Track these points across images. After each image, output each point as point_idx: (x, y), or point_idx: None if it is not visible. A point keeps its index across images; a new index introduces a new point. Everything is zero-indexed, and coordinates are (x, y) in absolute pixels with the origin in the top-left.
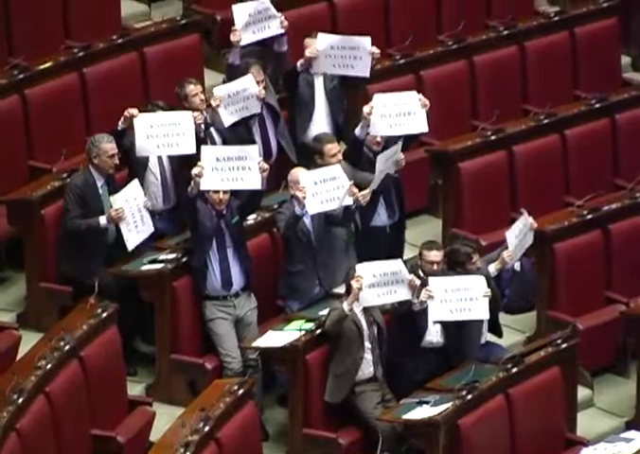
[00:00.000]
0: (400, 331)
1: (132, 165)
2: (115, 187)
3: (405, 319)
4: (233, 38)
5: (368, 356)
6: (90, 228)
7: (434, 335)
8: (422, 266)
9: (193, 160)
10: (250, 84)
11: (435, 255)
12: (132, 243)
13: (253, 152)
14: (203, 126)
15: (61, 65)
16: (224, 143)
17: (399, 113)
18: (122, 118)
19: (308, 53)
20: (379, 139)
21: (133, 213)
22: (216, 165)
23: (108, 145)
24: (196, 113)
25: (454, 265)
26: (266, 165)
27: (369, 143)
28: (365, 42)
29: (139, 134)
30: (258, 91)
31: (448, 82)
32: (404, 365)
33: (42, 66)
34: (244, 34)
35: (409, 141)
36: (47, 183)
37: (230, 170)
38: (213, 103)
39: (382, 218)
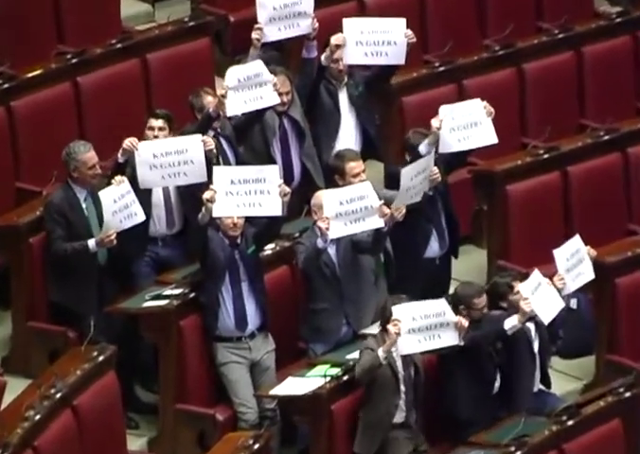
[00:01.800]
0: (461, 377)
1: (134, 187)
2: (100, 199)
3: (456, 362)
4: (254, 35)
5: (402, 401)
6: (77, 252)
7: (497, 379)
8: (471, 314)
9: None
10: (262, 70)
11: (485, 300)
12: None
13: (272, 174)
14: (215, 151)
15: (52, 74)
16: (235, 153)
17: (466, 125)
18: (121, 150)
19: (334, 40)
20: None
21: (121, 218)
22: (230, 188)
23: (87, 155)
24: (206, 138)
25: (496, 299)
26: (287, 189)
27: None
28: (399, 23)
29: (141, 165)
30: (277, 96)
31: (493, 93)
32: (461, 414)
33: (30, 75)
34: (268, 30)
35: (457, 159)
36: (36, 208)
37: (246, 195)
38: (219, 92)
39: (433, 248)
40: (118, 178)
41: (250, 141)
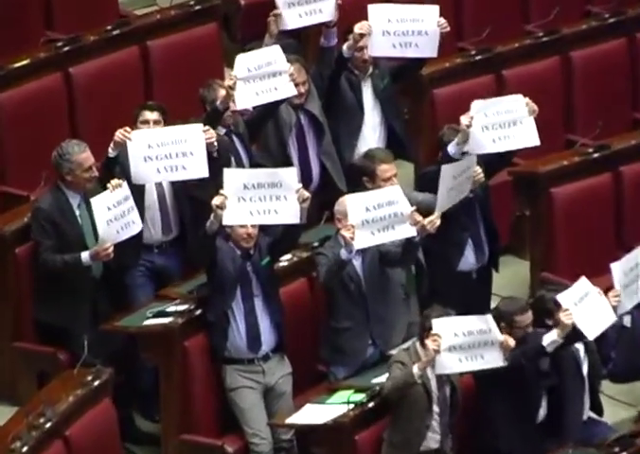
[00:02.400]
0: (501, 402)
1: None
2: None
3: (495, 385)
4: (271, 23)
5: (435, 423)
6: (69, 266)
7: (543, 406)
8: (513, 332)
9: (210, 181)
10: (277, 57)
11: (529, 317)
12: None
13: (289, 177)
14: (215, 144)
15: (40, 64)
16: (249, 154)
17: (502, 124)
18: (112, 143)
19: (358, 29)
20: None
21: (118, 228)
22: (243, 193)
23: (82, 155)
24: (207, 127)
25: (541, 316)
26: (306, 194)
27: None
28: (432, 11)
29: (134, 157)
30: (294, 87)
31: (536, 84)
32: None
33: (15, 65)
34: (288, 16)
35: (499, 158)
36: (23, 215)
37: (261, 201)
38: (228, 83)
39: (468, 260)
40: (115, 182)
41: (264, 139)
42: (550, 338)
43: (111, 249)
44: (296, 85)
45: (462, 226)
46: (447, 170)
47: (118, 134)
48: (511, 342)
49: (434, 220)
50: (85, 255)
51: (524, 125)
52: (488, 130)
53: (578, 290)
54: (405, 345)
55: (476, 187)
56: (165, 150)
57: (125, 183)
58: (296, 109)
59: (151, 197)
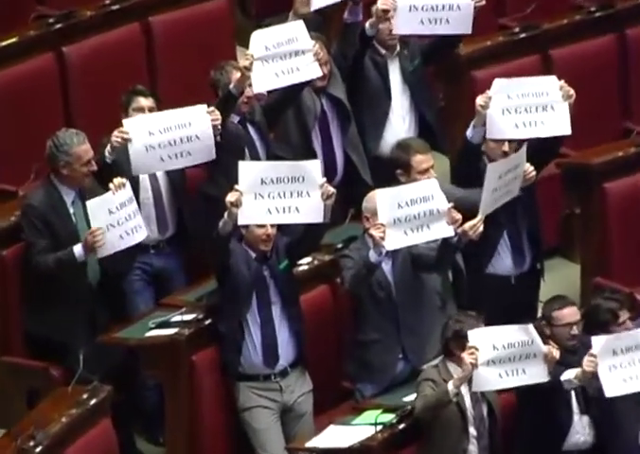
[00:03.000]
0: (529, 422)
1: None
2: None
3: (537, 404)
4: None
5: (473, 447)
6: (63, 264)
7: (581, 431)
8: (555, 334)
9: (220, 174)
10: (299, 34)
11: (572, 314)
12: (106, 251)
13: (313, 171)
14: (220, 128)
15: (30, 42)
16: (266, 144)
17: (529, 108)
18: (109, 148)
19: (381, 4)
20: (505, 148)
21: (121, 234)
22: (260, 189)
23: (81, 147)
24: (212, 108)
25: (594, 327)
26: (332, 190)
27: (492, 153)
28: None
29: (135, 147)
30: (319, 68)
31: (588, 66)
32: None
33: (3, 44)
34: None
35: (545, 149)
36: (11, 213)
37: (280, 197)
38: (243, 63)
39: (505, 263)
40: (118, 181)
41: (283, 128)
42: (569, 375)
43: (100, 235)
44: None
45: (497, 221)
46: (493, 168)
47: (116, 137)
48: (556, 354)
49: (476, 225)
50: (78, 249)
51: (556, 111)
52: (509, 113)
53: (624, 340)
54: (435, 362)
55: (525, 185)
56: (168, 137)
57: (128, 184)
58: (318, 93)
59: (146, 192)
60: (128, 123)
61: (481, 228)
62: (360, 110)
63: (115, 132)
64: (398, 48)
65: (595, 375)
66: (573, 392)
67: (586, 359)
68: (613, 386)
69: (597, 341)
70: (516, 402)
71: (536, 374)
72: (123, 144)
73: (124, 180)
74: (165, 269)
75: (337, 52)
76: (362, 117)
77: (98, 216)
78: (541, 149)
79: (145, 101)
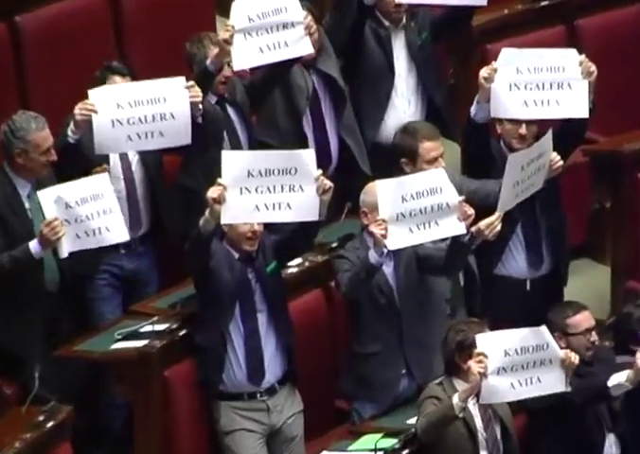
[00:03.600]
0: (551, 444)
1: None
2: None
3: (562, 423)
4: None
5: None
6: (18, 263)
7: (607, 451)
8: (572, 344)
9: (196, 163)
10: (289, 3)
11: (587, 319)
12: (63, 250)
13: (307, 162)
14: (201, 106)
15: None
16: (248, 129)
17: (542, 84)
18: (72, 124)
19: None
20: (522, 130)
21: (76, 229)
22: (246, 183)
23: (41, 134)
24: (191, 83)
25: (625, 339)
26: (328, 184)
27: (507, 135)
28: None
29: (99, 120)
30: (310, 44)
31: (620, 39)
32: None
33: None
34: None
35: (570, 134)
36: None
37: (270, 192)
38: (222, 35)
39: (518, 265)
40: (100, 167)
41: (269, 111)
42: (618, 379)
43: (56, 223)
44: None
45: (509, 219)
46: (514, 160)
47: (80, 110)
48: (575, 360)
49: (494, 223)
50: (34, 244)
51: (573, 90)
52: (517, 89)
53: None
54: (438, 380)
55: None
56: (138, 112)
57: (100, 177)
58: (307, 69)
59: (118, 184)
60: (94, 94)
61: (499, 227)
62: (358, 90)
63: (80, 105)
64: (403, 20)
65: None
66: (605, 408)
67: (639, 356)
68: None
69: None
70: (530, 421)
71: (553, 382)
72: (88, 118)
73: (105, 166)
74: (137, 271)
75: (331, 22)
76: (360, 99)
77: (51, 208)
78: (563, 134)
79: (122, 81)
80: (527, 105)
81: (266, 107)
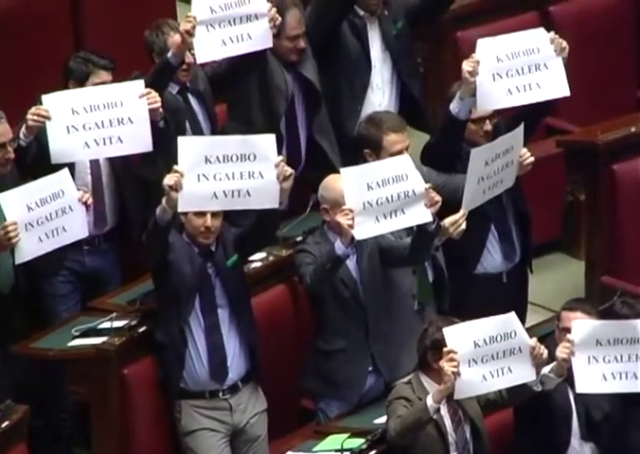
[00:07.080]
0: (526, 445)
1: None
2: None
3: (535, 422)
4: None
5: None
6: None
7: (578, 448)
8: (559, 337)
9: (158, 154)
10: None
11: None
12: (25, 255)
13: (266, 147)
14: (161, 111)
15: None
16: (210, 118)
17: (521, 69)
18: (24, 129)
19: None
20: (488, 127)
21: (40, 236)
22: (204, 169)
23: None
24: (149, 90)
25: None
26: (289, 170)
27: (473, 136)
28: None
29: (53, 127)
30: (271, 38)
31: (596, 25)
32: None
33: None
34: None
35: (538, 116)
36: None
37: (229, 179)
38: (184, 27)
39: (495, 260)
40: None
41: (245, 108)
42: (545, 371)
43: (13, 227)
44: (295, 38)
45: (482, 214)
46: (477, 154)
47: (32, 116)
48: (543, 351)
49: (458, 221)
50: None
51: (550, 69)
52: (500, 78)
53: (620, 329)
54: (406, 379)
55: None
56: (95, 117)
57: (66, 171)
58: (289, 69)
59: (83, 179)
60: (47, 99)
61: (464, 225)
62: (334, 81)
63: (33, 110)
64: (379, 9)
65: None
66: (575, 414)
67: (561, 346)
68: (588, 382)
69: (579, 326)
70: (512, 423)
71: (523, 372)
72: (40, 124)
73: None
74: (98, 269)
75: (311, 22)
76: (340, 93)
77: (13, 212)
78: (529, 109)
79: (108, 77)
80: (512, 92)
81: (241, 103)
